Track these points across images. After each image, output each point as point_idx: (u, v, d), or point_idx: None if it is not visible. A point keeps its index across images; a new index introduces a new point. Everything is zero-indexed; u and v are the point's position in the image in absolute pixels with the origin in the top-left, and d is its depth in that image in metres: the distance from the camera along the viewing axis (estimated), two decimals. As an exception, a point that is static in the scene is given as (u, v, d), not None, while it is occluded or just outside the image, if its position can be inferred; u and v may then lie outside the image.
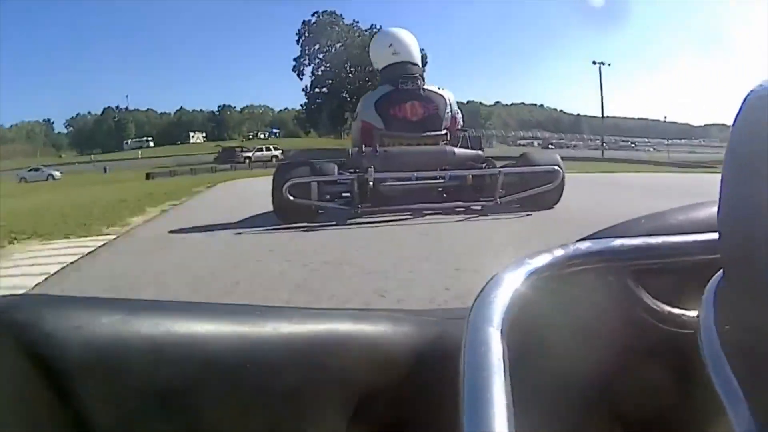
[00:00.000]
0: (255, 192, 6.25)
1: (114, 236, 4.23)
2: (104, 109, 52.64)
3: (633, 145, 40.95)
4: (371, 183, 4.13)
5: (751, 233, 0.22)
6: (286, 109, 52.97)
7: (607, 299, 0.32)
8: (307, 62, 46.89)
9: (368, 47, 5.55)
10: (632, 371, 0.33)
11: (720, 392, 0.23)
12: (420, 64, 5.02)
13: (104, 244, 3.79)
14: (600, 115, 40.00)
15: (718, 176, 0.24)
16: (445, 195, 4.56)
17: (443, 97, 4.86)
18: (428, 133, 4.69)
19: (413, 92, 4.74)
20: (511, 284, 0.27)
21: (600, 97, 39.46)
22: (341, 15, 46.88)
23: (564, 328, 0.32)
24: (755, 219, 0.22)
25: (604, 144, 38.32)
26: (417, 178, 4.27)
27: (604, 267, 0.31)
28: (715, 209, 0.25)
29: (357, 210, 4.14)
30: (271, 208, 4.21)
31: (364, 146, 4.40)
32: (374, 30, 45.98)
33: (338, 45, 45.85)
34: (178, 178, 19.32)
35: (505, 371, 0.22)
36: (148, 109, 55.19)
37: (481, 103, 55.58)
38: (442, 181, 4.39)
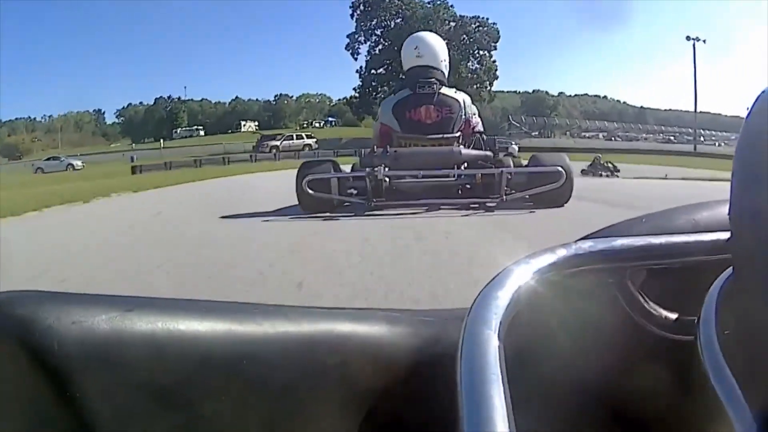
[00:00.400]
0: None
1: None
2: (156, 99, 51.82)
3: (702, 139, 36.88)
4: (386, 180, 4.50)
5: (764, 232, 0.22)
6: (345, 98, 48.64)
7: (607, 302, 0.32)
8: (362, 39, 40.82)
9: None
10: (631, 374, 0.33)
11: (720, 395, 0.23)
12: (443, 69, 5.25)
13: None
14: (663, 108, 37.53)
15: None
16: (459, 191, 4.82)
17: (458, 101, 5.14)
18: (441, 136, 5.02)
19: (429, 96, 5.06)
20: (511, 285, 0.27)
21: (693, 79, 34.28)
22: (400, -15, 40.22)
23: (563, 330, 0.32)
24: (767, 217, 0.21)
25: (673, 138, 35.40)
26: (423, 176, 4.60)
27: (604, 268, 0.31)
28: (718, 209, 0.25)
29: (371, 204, 4.55)
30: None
31: (376, 147, 4.82)
32: (437, 3, 40.39)
33: (398, 20, 39.63)
34: (168, 173, 15.87)
35: (502, 372, 0.22)
36: (202, 99, 53.87)
37: (546, 92, 52.18)
38: (449, 179, 4.68)
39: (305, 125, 50.36)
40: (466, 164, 4.80)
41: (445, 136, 5.02)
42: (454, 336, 0.25)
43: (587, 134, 39.83)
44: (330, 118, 53.38)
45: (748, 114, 0.23)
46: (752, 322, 0.23)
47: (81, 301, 0.27)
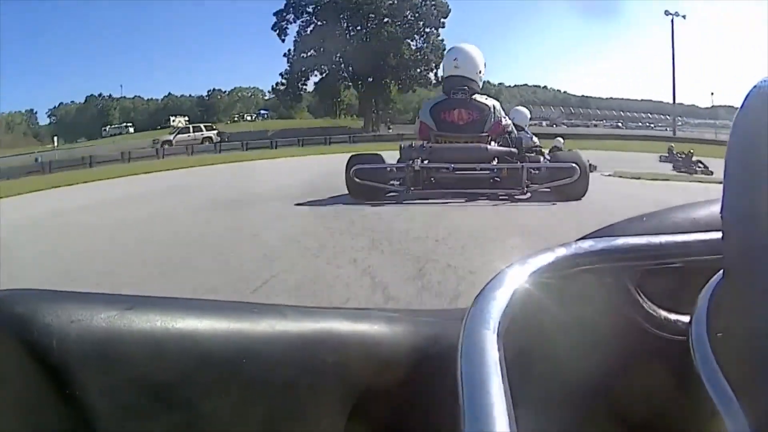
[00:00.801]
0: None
1: None
2: (87, 97, 51.12)
3: (650, 125, 37.84)
4: (425, 170, 5.33)
5: (756, 232, 0.21)
6: (272, 86, 50.41)
7: (606, 301, 0.32)
8: (292, 18, 33.80)
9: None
10: (630, 373, 0.33)
11: (713, 396, 0.23)
12: (477, 79, 6.08)
13: None
14: (605, 96, 36.19)
15: None
16: (492, 182, 5.61)
17: (488, 106, 5.94)
18: (472, 134, 5.81)
19: (462, 101, 5.87)
20: (510, 285, 0.27)
21: (671, 57, 32.72)
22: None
23: (562, 329, 0.32)
24: (760, 217, 0.21)
25: (620, 123, 34.71)
26: (454, 169, 5.38)
27: (603, 268, 0.31)
28: (716, 208, 0.24)
29: (409, 191, 5.29)
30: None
31: (413, 143, 5.67)
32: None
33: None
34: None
35: (502, 371, 0.22)
36: (135, 96, 54.20)
37: (488, 81, 52.97)
38: (477, 172, 5.50)
39: (236, 119, 52.51)
40: (496, 159, 5.61)
41: (476, 135, 5.79)
42: (453, 336, 0.25)
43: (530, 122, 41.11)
44: (263, 111, 55.31)
45: (739, 112, 0.23)
46: (742, 323, 0.23)
47: (80, 300, 0.27)
